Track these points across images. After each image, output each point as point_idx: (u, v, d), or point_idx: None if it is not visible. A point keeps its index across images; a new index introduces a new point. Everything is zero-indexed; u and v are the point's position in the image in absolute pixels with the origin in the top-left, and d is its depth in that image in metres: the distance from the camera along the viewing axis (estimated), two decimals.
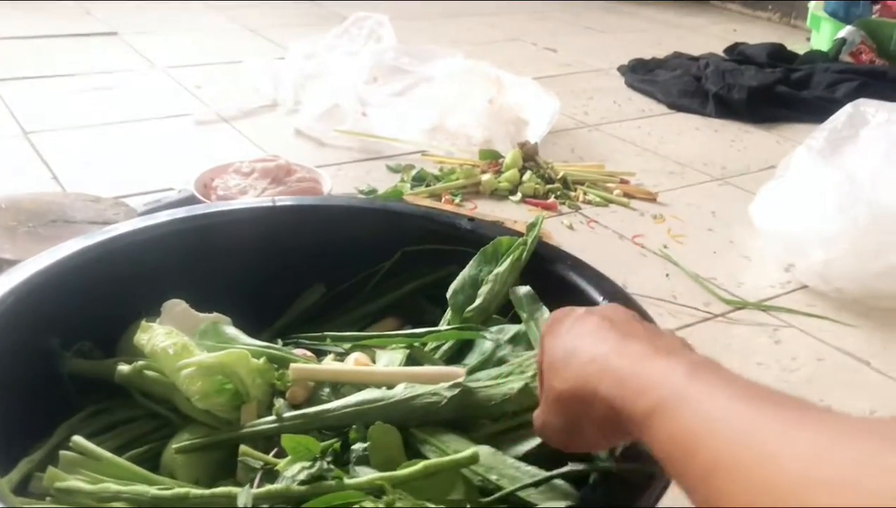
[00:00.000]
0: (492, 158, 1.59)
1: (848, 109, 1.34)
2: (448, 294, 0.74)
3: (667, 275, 1.27)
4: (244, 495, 0.53)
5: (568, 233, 1.39)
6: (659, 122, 2.00)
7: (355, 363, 0.67)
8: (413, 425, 0.60)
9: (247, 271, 0.80)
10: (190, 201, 1.23)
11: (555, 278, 0.74)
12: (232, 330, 0.70)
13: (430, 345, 0.72)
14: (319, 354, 0.72)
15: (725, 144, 1.88)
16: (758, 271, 1.32)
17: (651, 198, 1.55)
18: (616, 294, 0.69)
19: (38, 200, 1.18)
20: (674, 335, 0.47)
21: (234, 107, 1.81)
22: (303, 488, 0.54)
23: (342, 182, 1.50)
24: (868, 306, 1.21)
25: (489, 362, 0.69)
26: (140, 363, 0.67)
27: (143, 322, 0.67)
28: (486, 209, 1.45)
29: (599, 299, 0.69)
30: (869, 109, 1.32)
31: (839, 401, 1.01)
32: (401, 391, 0.61)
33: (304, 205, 0.88)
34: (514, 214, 1.43)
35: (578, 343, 0.47)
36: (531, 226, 0.77)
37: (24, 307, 0.66)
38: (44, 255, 0.71)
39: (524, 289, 0.72)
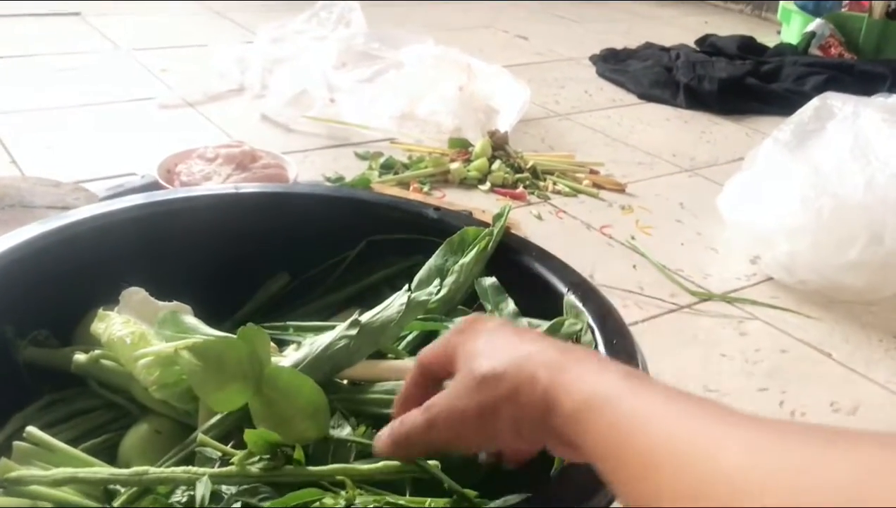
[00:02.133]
0: (461, 146, 1.58)
1: (815, 102, 1.34)
2: (413, 284, 0.73)
3: (634, 266, 1.28)
4: (204, 479, 0.52)
5: (536, 223, 1.39)
6: (629, 112, 2.00)
7: None
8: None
9: (209, 259, 0.78)
10: (153, 186, 1.21)
11: (520, 269, 0.73)
12: (192, 319, 0.68)
13: None
14: (281, 344, 0.71)
15: (695, 135, 1.89)
16: (724, 262, 1.33)
17: (620, 189, 1.55)
18: (581, 285, 0.69)
19: None
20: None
21: (199, 91, 1.78)
22: (261, 472, 0.53)
23: (309, 169, 1.48)
24: (831, 298, 1.22)
25: None
26: (97, 352, 0.65)
27: (101, 311, 0.66)
28: (454, 198, 1.44)
29: (564, 289, 0.69)
30: (836, 103, 1.33)
31: (801, 393, 1.02)
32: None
33: (268, 192, 0.87)
34: (482, 203, 1.42)
35: (508, 336, 0.46)
36: (497, 216, 0.76)
37: None
38: None
39: (489, 280, 0.72)
